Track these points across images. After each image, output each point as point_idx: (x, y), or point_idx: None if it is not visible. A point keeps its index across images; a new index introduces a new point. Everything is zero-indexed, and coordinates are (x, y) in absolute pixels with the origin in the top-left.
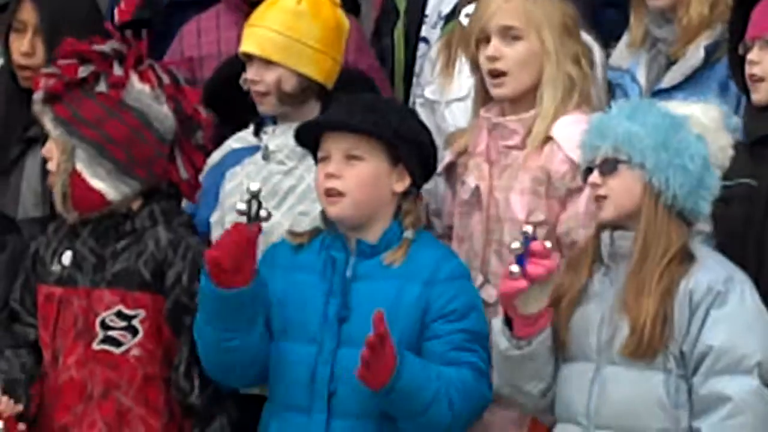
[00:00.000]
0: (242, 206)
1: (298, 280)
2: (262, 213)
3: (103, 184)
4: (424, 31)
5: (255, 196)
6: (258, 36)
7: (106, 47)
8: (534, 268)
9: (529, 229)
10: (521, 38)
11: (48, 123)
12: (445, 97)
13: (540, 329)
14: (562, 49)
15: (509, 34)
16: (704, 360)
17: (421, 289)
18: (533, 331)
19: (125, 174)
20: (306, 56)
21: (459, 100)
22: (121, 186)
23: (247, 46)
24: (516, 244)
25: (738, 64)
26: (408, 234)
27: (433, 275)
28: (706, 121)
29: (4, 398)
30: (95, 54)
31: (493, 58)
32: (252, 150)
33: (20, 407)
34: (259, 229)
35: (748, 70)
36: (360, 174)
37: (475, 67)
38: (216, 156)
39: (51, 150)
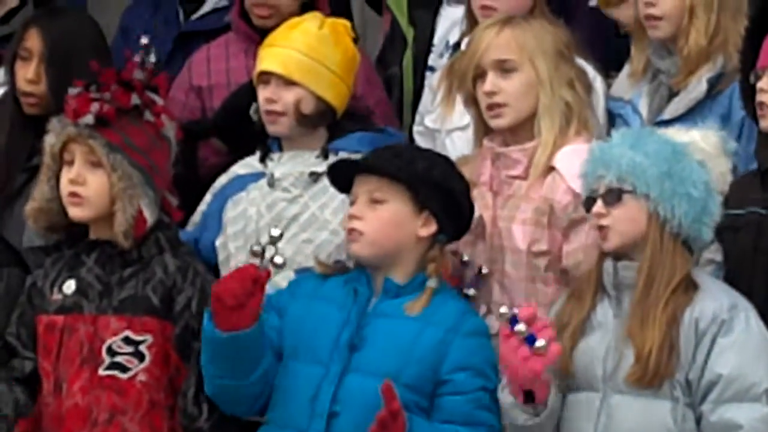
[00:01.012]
0: (257, 248)
1: (317, 308)
2: (278, 260)
3: (148, 211)
4: (431, 60)
5: (274, 241)
6: (281, 55)
7: (141, 75)
8: (546, 332)
9: (504, 310)
10: (516, 70)
11: (99, 148)
12: (446, 126)
13: (550, 387)
14: (557, 75)
15: (504, 67)
16: (713, 388)
17: (443, 336)
18: (548, 391)
19: (156, 202)
20: (327, 80)
21: (460, 129)
22: (154, 213)
23: (268, 64)
24: (521, 327)
25: (749, 93)
26: (431, 283)
27: (457, 325)
28: (707, 147)
29: None
30: (139, 83)
31: (491, 93)
32: (257, 176)
33: None
34: (269, 274)
35: (758, 98)
36: (380, 216)
37: (471, 102)
38: (222, 180)
39: (82, 175)
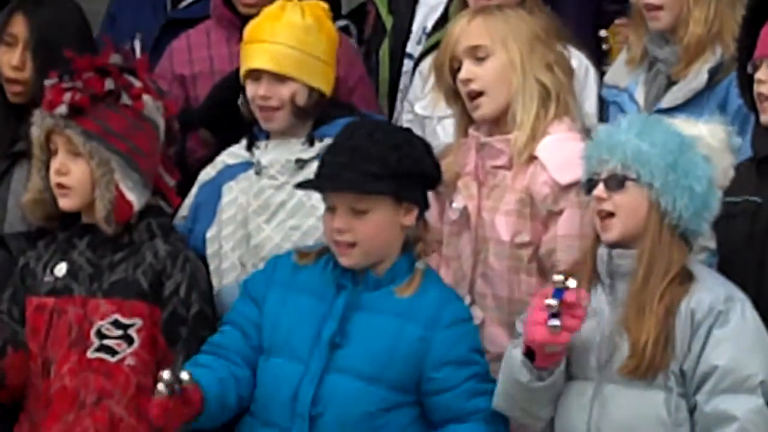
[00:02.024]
0: (163, 389)
1: (293, 300)
2: (184, 376)
3: (132, 195)
4: (409, 47)
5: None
6: (270, 52)
7: (118, 59)
8: (572, 322)
9: (559, 278)
10: (489, 55)
11: (75, 137)
12: (437, 113)
13: (559, 359)
14: (531, 57)
15: (477, 54)
16: (708, 379)
17: (422, 332)
18: (554, 360)
19: (145, 185)
20: (318, 70)
21: (451, 116)
22: (142, 197)
23: (260, 62)
24: (552, 301)
25: (746, 83)
26: (420, 264)
27: (435, 319)
28: (714, 143)
29: None
30: (114, 68)
31: (467, 81)
32: (246, 165)
33: None
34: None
35: (756, 89)
36: (368, 226)
37: (451, 95)
38: (210, 171)
39: (65, 165)
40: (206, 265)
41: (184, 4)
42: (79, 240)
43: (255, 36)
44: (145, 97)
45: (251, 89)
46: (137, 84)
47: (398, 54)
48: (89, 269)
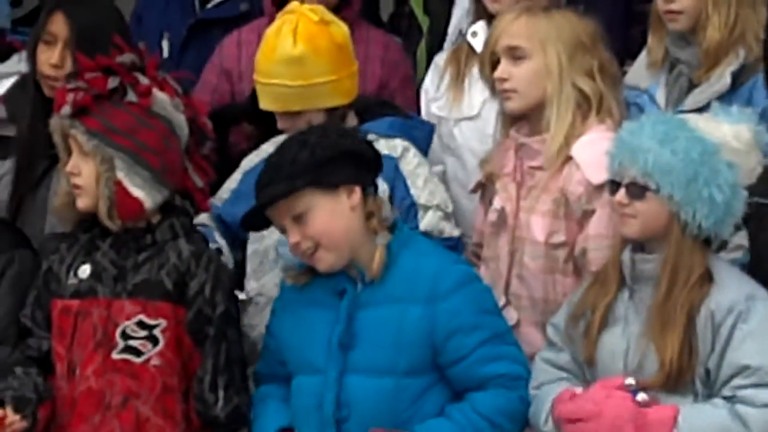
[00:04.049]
0: None
1: (303, 315)
2: None
3: (141, 192)
4: (445, 49)
5: None
6: (271, 93)
7: (126, 58)
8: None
9: (631, 381)
10: (527, 57)
11: (80, 137)
12: (454, 115)
13: None
14: (570, 64)
15: (515, 54)
16: (734, 377)
17: (422, 310)
18: None
19: (159, 182)
20: (325, 93)
21: (469, 119)
22: (156, 194)
23: (265, 103)
24: (631, 381)
25: None
26: (380, 239)
27: (432, 292)
28: (739, 146)
29: (16, 417)
30: (119, 66)
31: (501, 79)
32: None
33: (27, 425)
34: None
35: None
36: (315, 225)
37: (493, 88)
38: (254, 159)
39: (77, 166)
40: (244, 252)
41: (213, 3)
42: (101, 241)
43: (258, 70)
44: (156, 94)
45: (278, 122)
46: (144, 81)
47: (435, 55)
48: (113, 270)
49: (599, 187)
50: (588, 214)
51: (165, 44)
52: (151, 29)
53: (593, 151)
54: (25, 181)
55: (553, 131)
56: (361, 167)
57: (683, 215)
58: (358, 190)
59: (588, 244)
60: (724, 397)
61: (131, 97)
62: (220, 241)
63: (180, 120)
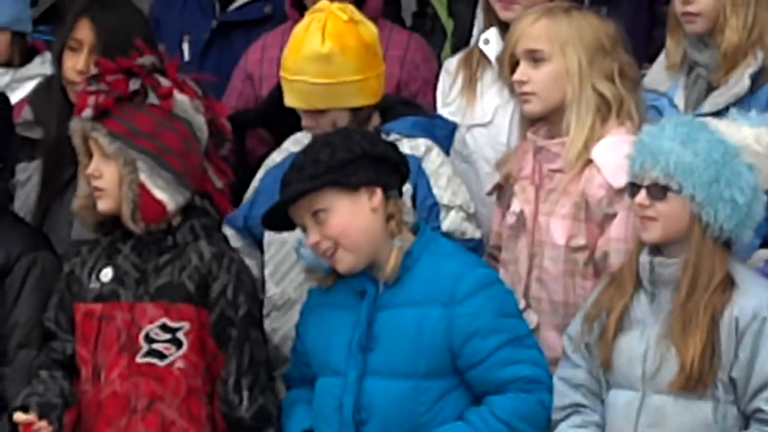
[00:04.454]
0: None
1: (326, 317)
2: None
3: (164, 195)
4: None
5: None
6: (298, 90)
7: (147, 60)
8: None
9: None
10: (546, 60)
11: (101, 139)
12: (467, 121)
13: None
14: (590, 68)
15: (534, 57)
16: (764, 389)
17: (441, 312)
18: None
19: (181, 184)
20: (351, 92)
21: (482, 125)
22: (178, 196)
23: (289, 100)
24: None
25: None
26: (396, 242)
27: (452, 295)
28: (760, 148)
29: (42, 422)
30: (140, 68)
31: (520, 82)
32: None
33: (53, 430)
34: None
35: None
36: (334, 225)
37: (513, 91)
38: (276, 157)
39: (98, 168)
40: (262, 253)
41: (235, 5)
42: (123, 244)
43: (284, 66)
44: (177, 96)
45: (302, 120)
46: (166, 83)
47: None
48: (135, 274)
49: (620, 191)
50: (609, 218)
51: (186, 46)
52: (170, 31)
53: (614, 155)
54: (52, 187)
55: (573, 134)
56: (383, 169)
57: (705, 216)
58: (379, 192)
59: (609, 248)
60: (754, 410)
61: (152, 99)
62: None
63: (200, 122)
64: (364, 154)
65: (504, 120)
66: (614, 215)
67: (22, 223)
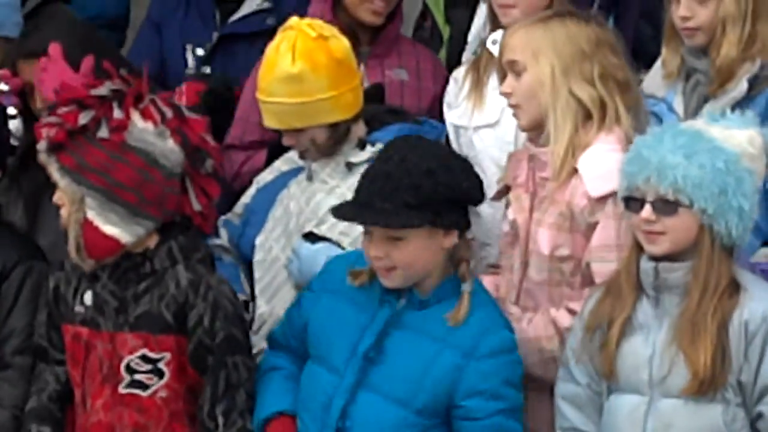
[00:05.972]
0: None
1: (339, 308)
2: None
3: (116, 229)
4: (464, 57)
5: None
6: (273, 112)
7: (103, 90)
8: None
9: None
10: (525, 70)
11: (54, 173)
12: (473, 123)
13: None
14: (566, 73)
15: (514, 69)
16: None
17: (459, 361)
18: None
19: (137, 215)
20: (326, 109)
21: (489, 126)
22: (135, 227)
23: (268, 121)
24: None
25: None
26: (466, 287)
27: (474, 348)
28: (754, 151)
29: None
30: (93, 99)
31: (506, 95)
32: (299, 170)
33: None
34: None
35: None
36: (404, 253)
37: None
38: (266, 177)
39: (61, 198)
40: (251, 273)
41: (237, 16)
42: (101, 271)
43: (260, 88)
44: (137, 124)
45: (283, 138)
46: (118, 115)
47: (455, 63)
48: (114, 303)
49: (600, 200)
50: (592, 227)
51: (189, 56)
52: (171, 39)
53: (598, 163)
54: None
55: (553, 143)
56: (466, 211)
57: (716, 227)
58: (455, 233)
59: (591, 257)
60: (757, 415)
61: (103, 132)
62: (246, 288)
63: (164, 148)
64: (462, 195)
65: (511, 120)
66: (596, 224)
67: (16, 233)
